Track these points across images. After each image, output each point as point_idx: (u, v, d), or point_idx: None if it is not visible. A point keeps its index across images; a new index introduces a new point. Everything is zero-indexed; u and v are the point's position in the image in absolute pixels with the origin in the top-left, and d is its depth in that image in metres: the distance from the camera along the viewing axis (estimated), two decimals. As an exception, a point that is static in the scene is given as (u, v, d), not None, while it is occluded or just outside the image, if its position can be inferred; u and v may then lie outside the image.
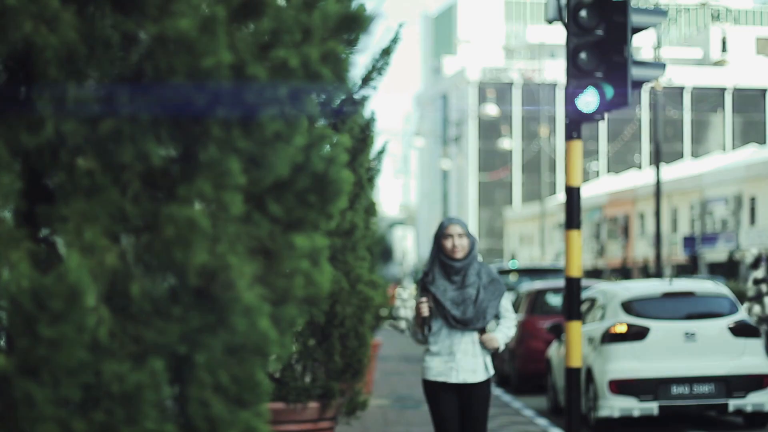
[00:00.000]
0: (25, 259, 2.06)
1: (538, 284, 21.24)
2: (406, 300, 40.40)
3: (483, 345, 7.06)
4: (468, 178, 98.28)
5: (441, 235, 7.03)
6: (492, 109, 75.65)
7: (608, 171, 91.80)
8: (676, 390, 13.08)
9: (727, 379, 13.15)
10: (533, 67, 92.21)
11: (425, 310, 6.97)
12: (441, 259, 7.02)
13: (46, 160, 2.14)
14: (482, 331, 7.06)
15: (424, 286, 7.06)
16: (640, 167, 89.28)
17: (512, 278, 26.85)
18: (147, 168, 2.14)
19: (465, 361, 7.07)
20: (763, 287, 19.80)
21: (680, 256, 60.47)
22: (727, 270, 53.86)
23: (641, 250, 65.28)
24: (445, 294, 6.97)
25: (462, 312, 6.97)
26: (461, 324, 6.98)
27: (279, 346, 2.18)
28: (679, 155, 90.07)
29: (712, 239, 60.09)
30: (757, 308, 19.67)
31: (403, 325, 40.67)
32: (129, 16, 2.16)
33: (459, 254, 6.98)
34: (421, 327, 7.08)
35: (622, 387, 13.10)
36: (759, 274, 19.88)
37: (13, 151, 2.11)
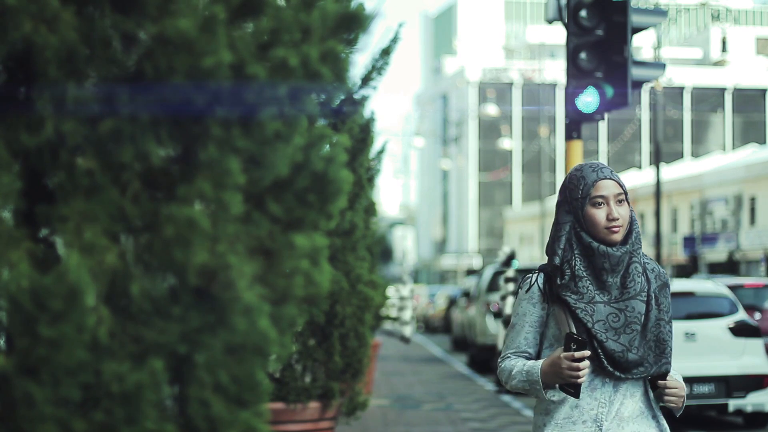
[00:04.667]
0: (24, 259, 2.06)
1: (539, 284, 21.25)
2: (406, 299, 37.76)
3: (660, 398, 3.80)
4: (468, 178, 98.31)
5: (584, 197, 3.76)
6: (492, 109, 75.65)
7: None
8: (676, 390, 13.07)
9: (727, 379, 13.15)
10: (533, 67, 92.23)
11: (585, 372, 3.62)
12: (585, 242, 3.74)
13: (46, 160, 2.14)
14: (653, 380, 3.78)
15: (550, 291, 3.78)
16: (640, 167, 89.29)
17: (512, 278, 26.85)
18: (147, 168, 2.14)
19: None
20: (510, 286, 19.85)
21: (680, 256, 60.43)
22: (728, 270, 53.85)
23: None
24: (594, 311, 3.71)
25: (625, 346, 3.71)
26: (622, 369, 3.71)
27: (279, 346, 2.18)
28: (679, 155, 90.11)
29: (712, 239, 60.08)
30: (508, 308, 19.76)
31: (408, 332, 36.79)
32: (129, 16, 2.16)
33: (619, 235, 3.74)
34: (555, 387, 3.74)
35: (622, 387, 13.08)
36: (510, 273, 19.87)
37: (13, 151, 2.11)
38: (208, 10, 2.12)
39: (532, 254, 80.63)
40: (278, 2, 2.25)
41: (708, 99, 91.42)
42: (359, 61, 6.59)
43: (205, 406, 2.12)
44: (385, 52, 8.85)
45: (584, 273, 3.76)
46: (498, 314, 25.02)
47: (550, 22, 11.30)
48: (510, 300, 19.86)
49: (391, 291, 31.60)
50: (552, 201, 75.84)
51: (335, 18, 2.25)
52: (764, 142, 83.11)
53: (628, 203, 3.82)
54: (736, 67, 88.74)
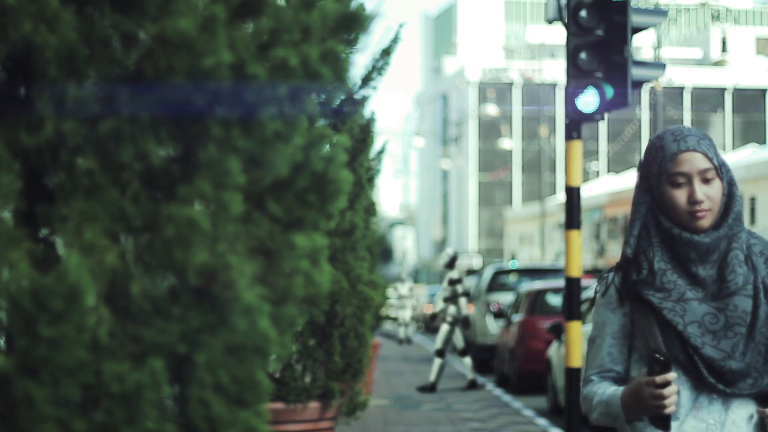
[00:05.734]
0: (25, 259, 2.06)
1: (538, 284, 21.26)
2: (405, 297, 35.57)
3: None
4: (468, 178, 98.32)
5: (661, 173, 3.05)
6: (492, 109, 75.64)
7: (608, 171, 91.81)
8: (676, 390, 13.06)
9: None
10: (533, 67, 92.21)
11: (672, 402, 2.90)
12: (664, 228, 3.05)
13: (46, 160, 2.14)
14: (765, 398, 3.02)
15: (625, 289, 3.09)
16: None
17: (512, 278, 26.88)
18: (147, 168, 2.14)
19: None
20: (459, 288, 19.77)
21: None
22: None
23: (641, 250, 65.12)
24: (685, 310, 3.01)
25: (726, 352, 2.99)
26: (726, 381, 2.99)
27: (279, 346, 2.18)
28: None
29: (712, 239, 59.99)
30: (452, 309, 19.67)
31: (402, 333, 35.53)
32: (128, 16, 2.16)
33: (705, 220, 3.02)
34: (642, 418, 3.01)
35: (622, 387, 13.08)
36: (454, 274, 19.84)
37: (13, 151, 2.11)
38: (208, 10, 2.12)
39: (532, 254, 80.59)
40: (278, 2, 2.25)
41: (708, 99, 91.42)
42: (359, 61, 6.57)
43: (205, 406, 2.12)
44: (386, 52, 8.85)
45: (667, 265, 3.04)
46: (498, 314, 24.96)
47: (550, 22, 11.29)
48: (463, 302, 19.79)
49: (389, 290, 30.52)
50: (552, 201, 75.83)
51: (335, 18, 2.25)
52: (764, 142, 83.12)
53: (722, 178, 3.06)
54: (736, 67, 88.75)
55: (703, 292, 3.03)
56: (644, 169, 3.12)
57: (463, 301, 19.76)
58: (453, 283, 19.79)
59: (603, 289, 3.14)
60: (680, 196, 3.03)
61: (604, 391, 3.08)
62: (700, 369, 2.98)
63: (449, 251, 20.31)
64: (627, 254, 3.09)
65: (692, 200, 3.01)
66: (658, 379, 2.88)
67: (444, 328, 19.69)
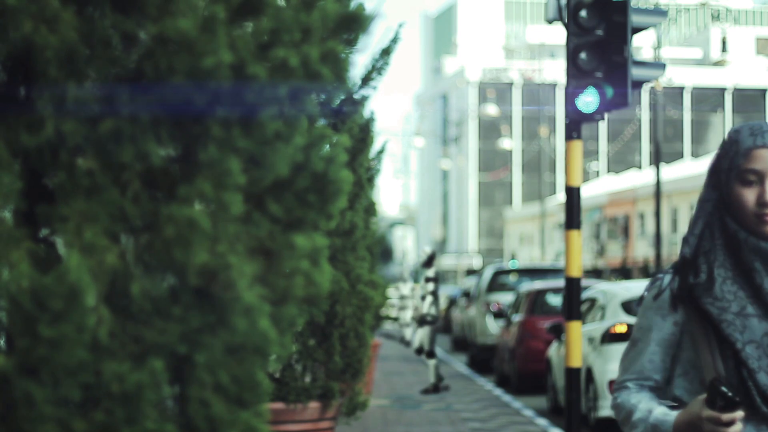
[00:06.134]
0: (25, 259, 2.06)
1: (538, 284, 21.28)
2: (407, 298, 35.10)
3: None
4: (468, 178, 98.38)
5: (732, 168, 2.79)
6: (492, 109, 75.68)
7: (608, 171, 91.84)
8: (676, 390, 13.05)
9: (727, 379, 13.12)
10: (533, 67, 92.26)
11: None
12: (730, 231, 2.79)
13: (46, 160, 2.14)
14: None
15: (680, 295, 2.81)
16: (640, 167, 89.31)
17: (512, 278, 26.89)
18: (147, 168, 2.14)
19: None
20: (429, 286, 19.77)
21: (680, 256, 60.25)
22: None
23: (641, 250, 65.29)
24: (745, 326, 2.74)
25: None
26: None
27: (279, 346, 2.18)
28: (679, 155, 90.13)
29: (712, 239, 59.92)
30: (432, 308, 19.67)
31: (408, 335, 34.56)
32: (129, 16, 2.16)
33: None
34: None
35: (622, 387, 13.07)
36: (430, 273, 19.85)
37: (13, 151, 2.11)
38: (208, 10, 2.12)
39: (532, 254, 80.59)
40: (278, 2, 2.25)
41: (708, 99, 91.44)
42: (359, 62, 6.56)
43: (205, 406, 2.12)
44: (385, 52, 8.86)
45: (728, 272, 2.75)
46: (498, 314, 24.95)
47: (550, 22, 11.29)
48: (429, 300, 19.75)
49: (390, 291, 30.30)
50: (552, 201, 75.82)
51: (335, 18, 2.25)
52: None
53: None
54: (736, 67, 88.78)
55: (763, 308, 2.74)
56: (715, 164, 2.84)
57: (428, 299, 19.72)
58: (428, 281, 19.82)
59: (656, 293, 2.86)
60: (749, 195, 2.75)
61: (649, 409, 2.80)
62: (753, 396, 2.70)
63: (427, 249, 20.37)
64: (685, 254, 2.81)
65: (761, 202, 2.74)
66: (725, 417, 2.60)
67: (426, 328, 19.70)
